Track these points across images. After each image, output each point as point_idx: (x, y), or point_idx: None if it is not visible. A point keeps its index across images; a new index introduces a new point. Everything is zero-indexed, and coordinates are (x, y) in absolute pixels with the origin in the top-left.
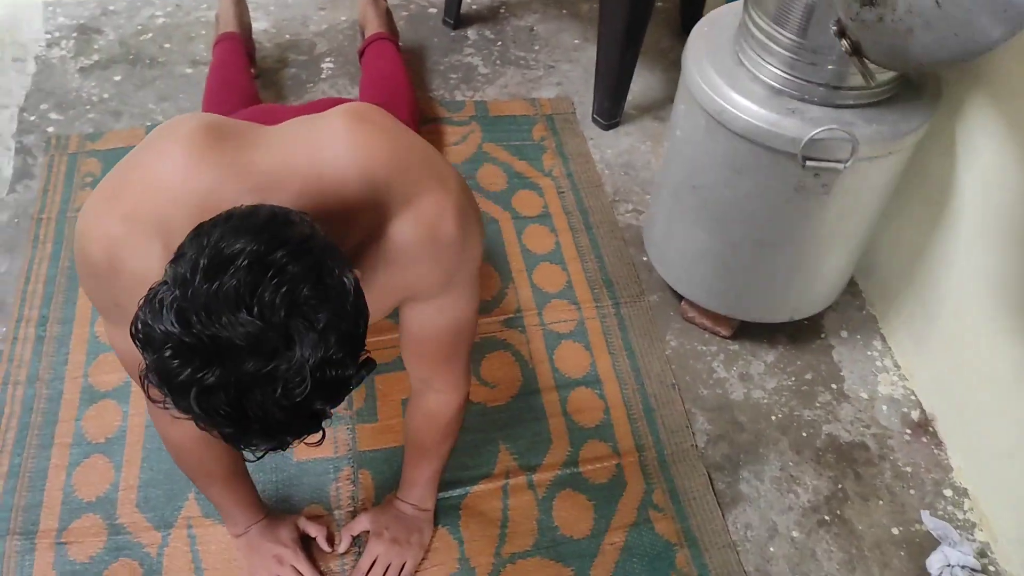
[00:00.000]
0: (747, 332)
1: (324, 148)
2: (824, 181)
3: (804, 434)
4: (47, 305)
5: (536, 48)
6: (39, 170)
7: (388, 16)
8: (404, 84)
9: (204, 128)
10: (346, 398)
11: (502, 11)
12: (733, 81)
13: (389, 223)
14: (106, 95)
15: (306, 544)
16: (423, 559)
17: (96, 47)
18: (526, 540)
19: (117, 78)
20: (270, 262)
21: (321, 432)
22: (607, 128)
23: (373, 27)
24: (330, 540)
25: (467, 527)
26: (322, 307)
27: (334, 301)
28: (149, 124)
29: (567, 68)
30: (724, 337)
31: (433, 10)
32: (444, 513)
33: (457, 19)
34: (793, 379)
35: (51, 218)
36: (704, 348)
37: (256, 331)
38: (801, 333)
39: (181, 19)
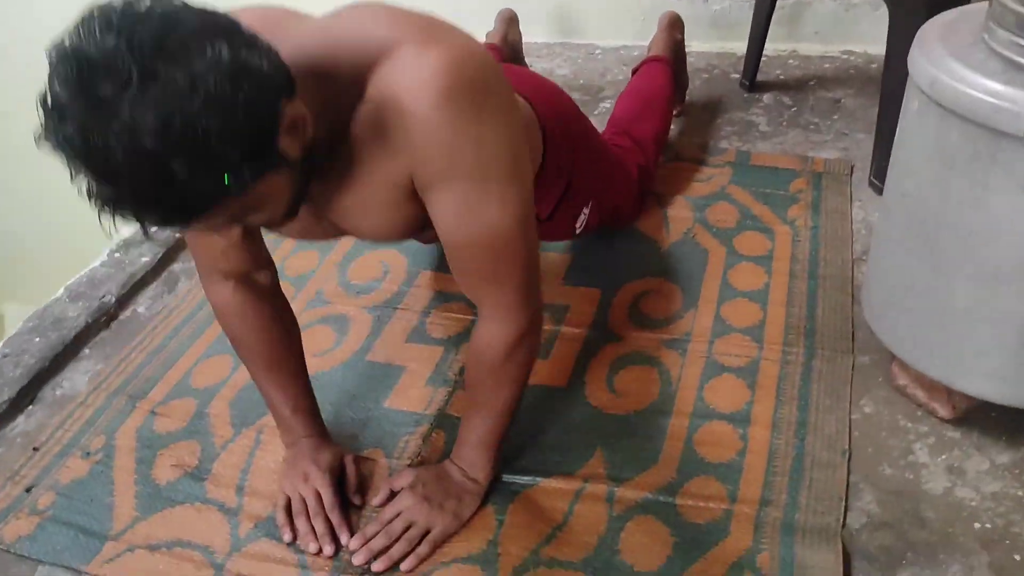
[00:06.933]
0: (979, 421)
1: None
2: None
3: (1017, 557)
4: None
5: (835, 117)
6: None
7: (677, 49)
8: (661, 99)
9: None
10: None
11: (811, 83)
12: (964, 54)
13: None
14: None
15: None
16: (455, 533)
17: None
18: (575, 552)
19: None
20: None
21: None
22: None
23: (657, 51)
24: (363, 492)
25: (515, 513)
26: (199, 61)
27: (219, 65)
28: None
29: (862, 138)
30: (941, 419)
31: (736, 75)
32: (500, 493)
33: (752, 82)
34: None
35: None
36: (909, 425)
37: (116, 53)
38: None
39: None
